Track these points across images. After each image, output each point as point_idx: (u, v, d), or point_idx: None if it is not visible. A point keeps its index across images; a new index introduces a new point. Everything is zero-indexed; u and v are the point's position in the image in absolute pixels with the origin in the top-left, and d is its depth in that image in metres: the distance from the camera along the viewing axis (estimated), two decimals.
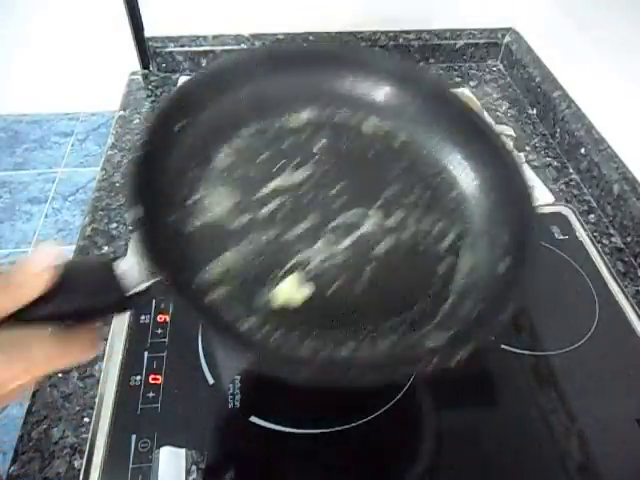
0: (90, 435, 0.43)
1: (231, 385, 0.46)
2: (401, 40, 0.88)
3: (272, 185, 0.41)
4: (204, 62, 0.85)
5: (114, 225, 0.60)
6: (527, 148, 0.74)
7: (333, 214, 0.40)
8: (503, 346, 0.50)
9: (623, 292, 0.56)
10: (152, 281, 0.28)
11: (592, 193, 0.68)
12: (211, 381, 0.46)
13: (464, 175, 0.43)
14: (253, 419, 0.44)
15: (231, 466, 0.42)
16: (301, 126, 0.45)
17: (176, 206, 0.38)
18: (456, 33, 0.90)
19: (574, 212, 0.64)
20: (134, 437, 0.42)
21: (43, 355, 0.26)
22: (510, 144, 0.65)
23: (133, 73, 0.86)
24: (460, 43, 0.90)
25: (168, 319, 0.50)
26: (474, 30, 0.90)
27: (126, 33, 0.82)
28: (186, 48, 0.84)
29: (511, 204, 0.39)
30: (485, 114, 0.77)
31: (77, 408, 0.45)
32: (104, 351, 0.47)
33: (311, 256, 0.38)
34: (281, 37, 0.86)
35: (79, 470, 0.41)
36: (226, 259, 0.36)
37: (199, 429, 0.43)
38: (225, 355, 0.47)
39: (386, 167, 0.44)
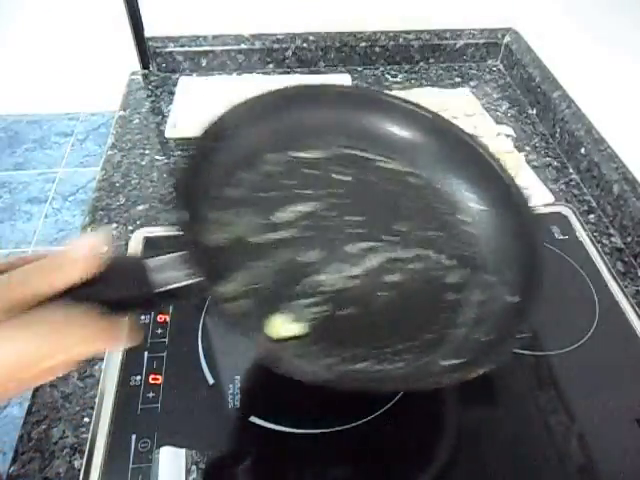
0: (90, 435, 0.42)
1: (231, 385, 0.46)
2: (401, 40, 0.88)
3: (293, 209, 0.43)
4: (204, 62, 0.85)
5: (114, 225, 0.60)
6: (527, 148, 0.74)
7: (350, 240, 0.42)
8: None
9: (623, 292, 0.56)
10: (185, 282, 0.30)
11: (592, 193, 0.68)
12: (211, 381, 0.46)
13: (478, 218, 0.46)
14: (253, 419, 0.44)
15: (231, 466, 0.42)
16: (328, 158, 0.48)
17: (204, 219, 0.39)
18: (456, 33, 0.90)
19: (574, 212, 0.64)
20: (134, 437, 0.42)
21: (78, 335, 0.26)
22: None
23: (133, 73, 0.86)
24: (460, 43, 0.90)
25: (168, 319, 0.50)
26: (474, 30, 0.90)
27: (126, 33, 0.82)
28: (186, 48, 0.84)
29: (522, 247, 0.41)
30: (485, 114, 0.77)
31: (77, 408, 0.45)
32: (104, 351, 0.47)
33: (325, 279, 0.39)
34: (281, 37, 0.86)
35: (79, 470, 0.41)
36: (244, 275, 0.38)
37: (199, 429, 0.43)
38: (227, 354, 0.47)
39: (404, 204, 0.47)
